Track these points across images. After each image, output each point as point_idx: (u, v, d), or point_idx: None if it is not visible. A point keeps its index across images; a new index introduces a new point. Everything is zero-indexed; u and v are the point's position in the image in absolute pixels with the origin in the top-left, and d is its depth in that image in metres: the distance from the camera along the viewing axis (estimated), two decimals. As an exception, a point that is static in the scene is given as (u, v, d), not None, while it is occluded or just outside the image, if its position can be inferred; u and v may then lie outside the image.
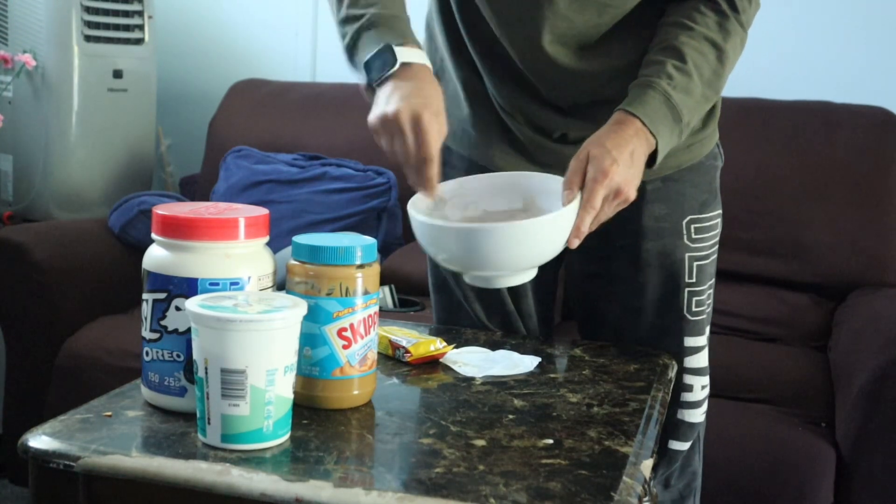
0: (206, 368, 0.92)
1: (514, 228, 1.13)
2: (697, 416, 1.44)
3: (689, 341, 1.41)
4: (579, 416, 1.08)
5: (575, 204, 1.17)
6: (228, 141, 2.83)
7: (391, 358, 1.26)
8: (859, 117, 2.44)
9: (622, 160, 1.18)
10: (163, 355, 1.01)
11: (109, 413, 1.00)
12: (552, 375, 1.22)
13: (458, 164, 1.42)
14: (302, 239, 1.05)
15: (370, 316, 1.07)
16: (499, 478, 0.90)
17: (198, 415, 0.95)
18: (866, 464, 1.80)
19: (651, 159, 1.24)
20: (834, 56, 2.62)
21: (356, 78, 1.25)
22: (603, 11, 1.27)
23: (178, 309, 1.00)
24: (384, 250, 2.55)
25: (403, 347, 1.24)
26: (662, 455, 1.43)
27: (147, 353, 1.03)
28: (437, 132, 1.14)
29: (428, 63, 1.21)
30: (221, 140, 2.85)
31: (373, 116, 1.17)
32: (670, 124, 1.23)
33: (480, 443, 0.98)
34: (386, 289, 2.33)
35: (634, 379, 1.22)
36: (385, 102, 1.16)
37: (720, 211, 1.43)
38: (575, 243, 1.17)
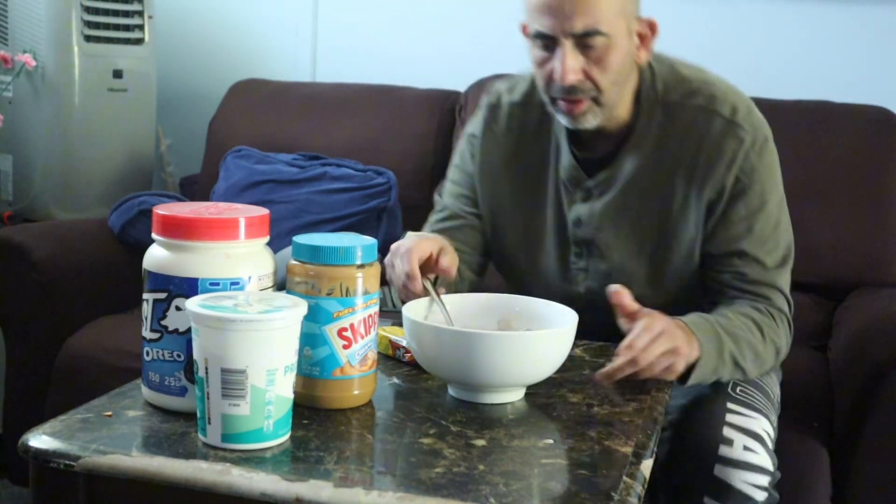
0: (206, 368, 0.92)
1: (511, 339, 1.11)
2: (737, 480, 1.31)
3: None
4: (579, 416, 1.08)
5: (573, 327, 1.15)
6: (228, 141, 2.82)
7: (391, 358, 1.26)
8: (859, 117, 2.43)
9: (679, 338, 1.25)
10: (163, 355, 1.01)
11: (110, 413, 1.00)
12: (552, 375, 1.22)
13: None
14: (302, 239, 1.05)
15: (370, 316, 1.07)
16: (499, 478, 0.90)
17: (198, 414, 0.95)
18: (864, 464, 1.80)
19: (685, 377, 1.28)
20: (834, 56, 2.62)
21: None
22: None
23: (178, 309, 1.00)
24: (384, 250, 2.54)
25: (403, 347, 1.24)
26: None
27: (147, 353, 1.03)
28: (409, 260, 1.32)
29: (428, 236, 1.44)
30: (221, 140, 2.85)
31: None
32: (715, 355, 1.30)
33: (480, 443, 0.98)
34: (386, 289, 2.33)
35: (634, 379, 1.22)
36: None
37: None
38: (603, 381, 1.18)
